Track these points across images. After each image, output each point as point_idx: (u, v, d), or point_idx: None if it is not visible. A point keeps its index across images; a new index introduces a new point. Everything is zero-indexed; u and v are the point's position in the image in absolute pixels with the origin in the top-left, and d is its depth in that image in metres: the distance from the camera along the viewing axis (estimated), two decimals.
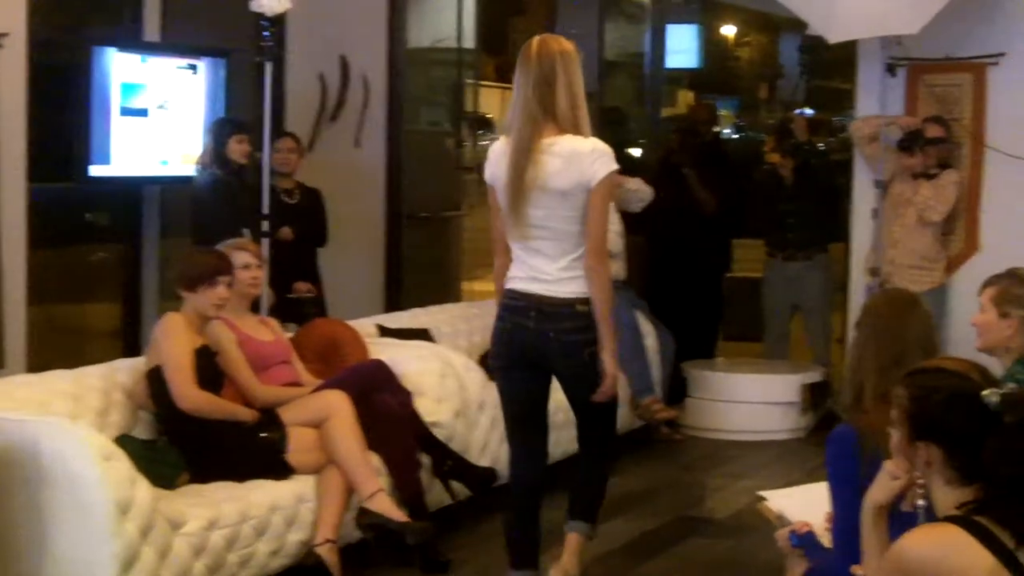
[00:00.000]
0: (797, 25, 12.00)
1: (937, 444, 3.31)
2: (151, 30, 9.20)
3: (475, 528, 7.27)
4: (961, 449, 3.28)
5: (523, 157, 5.43)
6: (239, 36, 9.44)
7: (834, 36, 9.06)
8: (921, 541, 3.19)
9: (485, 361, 8.35)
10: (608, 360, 5.53)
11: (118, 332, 9.37)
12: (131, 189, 9.12)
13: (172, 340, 6.29)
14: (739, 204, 10.88)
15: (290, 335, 7.43)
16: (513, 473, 5.97)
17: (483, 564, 6.81)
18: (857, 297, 9.69)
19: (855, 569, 3.80)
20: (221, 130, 8.64)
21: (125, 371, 6.53)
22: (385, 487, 6.51)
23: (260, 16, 8.31)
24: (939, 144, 9.16)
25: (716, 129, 13.76)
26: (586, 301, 5.50)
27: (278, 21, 8.55)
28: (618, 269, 8.78)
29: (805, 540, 4.45)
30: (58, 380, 6.29)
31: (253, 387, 6.64)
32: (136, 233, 9.26)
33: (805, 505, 4.84)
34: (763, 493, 5.14)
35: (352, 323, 7.83)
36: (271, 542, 6.06)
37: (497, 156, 5.60)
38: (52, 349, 8.67)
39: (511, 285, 5.64)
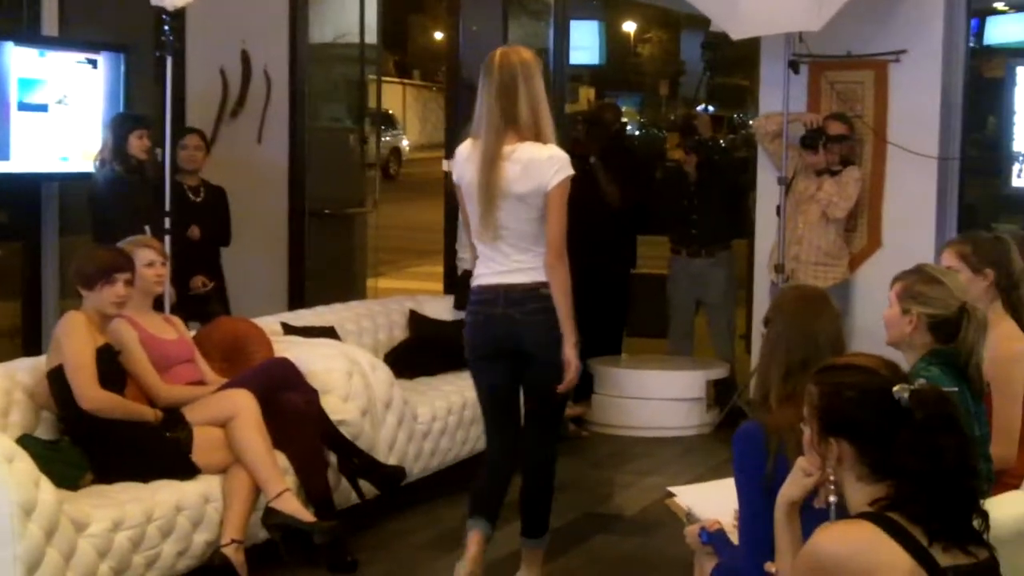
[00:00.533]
0: (698, 22, 12.08)
1: (848, 440, 3.32)
2: (49, 24, 9.10)
3: (383, 527, 7.25)
4: (872, 445, 3.28)
5: (488, 165, 5.79)
6: (139, 31, 9.34)
7: (737, 33, 9.10)
8: (835, 538, 3.19)
9: (390, 358, 8.37)
10: (570, 351, 5.89)
11: (18, 331, 9.25)
12: (30, 185, 9.00)
13: (73, 339, 6.20)
14: (644, 200, 10.89)
15: (193, 333, 7.35)
16: (488, 449, 6.34)
17: (391, 563, 6.78)
18: (761, 293, 9.76)
19: (768, 566, 3.80)
20: (121, 126, 8.54)
21: (26, 371, 6.43)
22: (292, 486, 6.47)
23: (161, 10, 8.23)
24: (841, 141, 9.23)
25: (624, 121, 13.79)
26: (548, 286, 5.87)
27: (178, 15, 8.46)
28: None
29: (715, 537, 4.45)
30: None
31: (157, 386, 6.56)
32: (35, 230, 9.15)
33: (713, 501, 4.85)
34: (672, 489, 5.14)
35: (256, 321, 7.77)
36: (177, 543, 6.00)
37: (464, 158, 5.96)
38: None
39: (478, 282, 6.02)
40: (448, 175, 10.47)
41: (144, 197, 8.44)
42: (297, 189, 10.74)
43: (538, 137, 5.83)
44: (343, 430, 7.02)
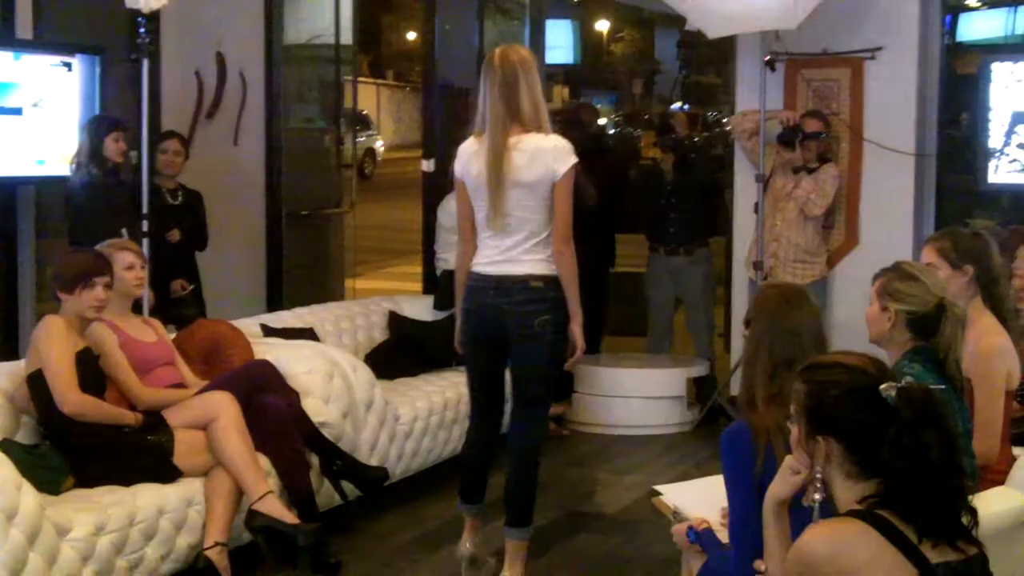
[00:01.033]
0: (673, 21, 12.07)
1: (836, 438, 3.33)
2: (23, 27, 9.04)
3: (366, 528, 7.24)
4: (860, 443, 3.29)
5: (495, 156, 6.04)
6: (114, 33, 9.31)
7: (714, 32, 9.13)
8: (825, 536, 3.20)
9: (371, 359, 8.36)
10: (576, 331, 6.23)
11: None
12: (6, 189, 8.96)
13: (52, 343, 6.18)
14: (621, 199, 10.89)
15: (173, 336, 7.33)
16: (469, 428, 6.60)
17: (374, 564, 6.78)
18: (739, 291, 9.79)
19: (758, 564, 3.80)
20: (97, 128, 8.51)
21: (4, 375, 6.40)
22: (274, 488, 6.45)
23: (135, 13, 8.21)
24: (818, 138, 9.27)
25: (602, 122, 13.79)
26: (539, 279, 6.12)
27: (153, 17, 8.44)
28: None
29: (703, 537, 4.46)
30: None
31: (137, 390, 6.54)
32: (11, 234, 9.09)
33: (700, 499, 4.86)
34: (658, 487, 5.15)
35: (235, 323, 7.75)
36: (160, 546, 5.98)
37: (468, 154, 6.21)
38: None
39: (474, 269, 6.26)
40: (427, 175, 10.51)
41: (121, 200, 8.42)
42: (274, 190, 10.73)
43: (540, 129, 6.09)
44: (325, 432, 7.01)
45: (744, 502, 4.06)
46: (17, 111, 8.64)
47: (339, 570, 6.58)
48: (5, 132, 8.53)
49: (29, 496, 5.40)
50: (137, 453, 6.22)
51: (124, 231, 8.04)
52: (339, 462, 6.97)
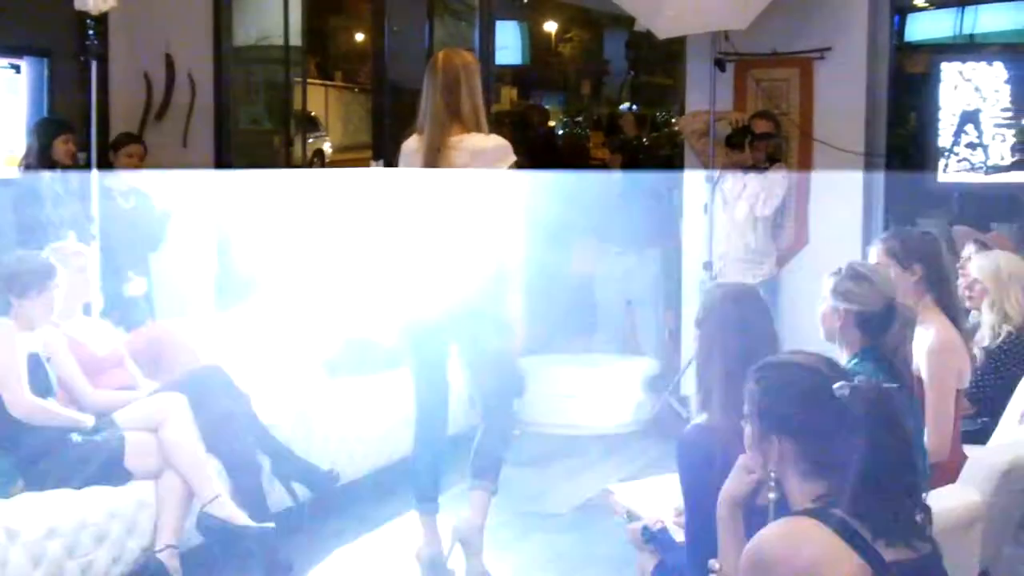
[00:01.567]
0: (622, 21, 12.09)
1: (789, 438, 3.34)
2: None
3: (317, 530, 7.22)
4: (813, 443, 3.30)
5: (433, 154, 6.21)
6: (62, 35, 9.25)
7: (663, 32, 9.14)
8: (779, 535, 3.21)
9: (322, 360, 8.34)
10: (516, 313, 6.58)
11: None
12: None
13: (1, 347, 6.13)
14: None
15: (123, 338, 7.29)
16: (418, 419, 6.64)
17: (326, 565, 6.76)
18: (689, 291, 9.81)
19: (712, 563, 3.81)
20: (45, 130, 8.48)
21: None
22: (225, 490, 6.42)
23: (84, 15, 8.15)
24: (768, 139, 9.30)
25: (551, 124, 13.81)
26: None
27: (102, 20, 8.39)
28: None
29: (658, 537, 4.46)
30: None
31: (86, 392, 6.50)
32: None
33: (652, 498, 4.87)
34: (611, 487, 5.16)
35: (186, 324, 7.71)
36: (111, 549, 5.93)
37: (410, 151, 6.36)
38: None
39: None
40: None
41: (70, 202, 8.37)
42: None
43: (479, 129, 6.27)
44: (275, 433, 6.98)
45: (703, 510, 4.04)
46: None
47: (290, 572, 6.55)
48: None
49: None
50: (87, 456, 6.17)
51: (73, 234, 7.99)
52: (290, 464, 6.94)
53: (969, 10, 13.81)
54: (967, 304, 6.48)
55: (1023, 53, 11.50)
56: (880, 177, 9.56)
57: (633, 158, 10.67)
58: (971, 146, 9.56)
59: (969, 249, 7.09)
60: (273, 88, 12.16)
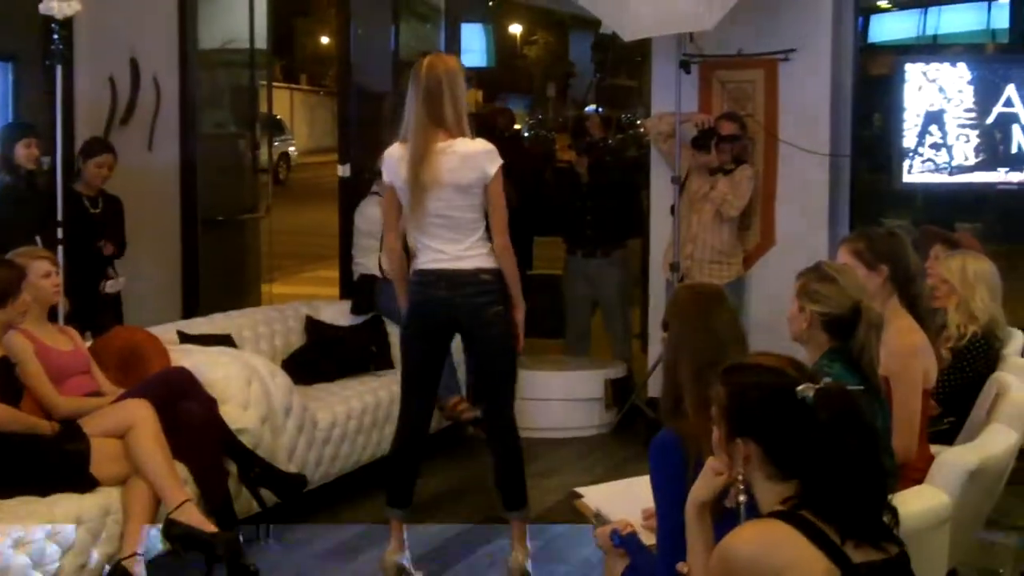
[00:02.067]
0: (587, 23, 12.12)
1: (756, 440, 3.33)
2: None
3: (285, 535, 7.19)
4: (779, 445, 3.29)
5: (418, 161, 6.24)
6: (26, 39, 9.21)
7: (629, 34, 9.13)
8: (747, 538, 3.20)
9: (288, 365, 8.32)
10: (519, 316, 6.50)
11: None
12: None
13: None
14: (538, 202, 10.91)
15: (89, 344, 7.25)
16: (400, 424, 6.70)
17: (293, 571, 6.74)
18: (656, 292, 9.82)
19: (680, 566, 3.80)
20: (8, 135, 8.44)
21: None
22: (192, 497, 6.39)
23: (49, 19, 8.12)
24: (733, 141, 9.32)
25: (517, 127, 13.80)
26: (487, 271, 6.37)
27: (67, 24, 8.35)
28: None
29: (627, 541, 4.44)
30: None
31: (53, 398, 6.46)
32: None
33: (621, 501, 4.86)
34: (579, 490, 5.14)
35: (152, 330, 7.68)
36: (77, 556, 5.89)
37: (395, 159, 6.37)
38: None
39: (420, 267, 6.46)
40: (343, 180, 10.45)
41: (34, 207, 8.33)
42: (189, 196, 10.64)
43: (462, 134, 6.30)
44: (242, 438, 6.96)
45: (674, 512, 4.02)
46: None
47: None
48: None
49: None
50: (54, 463, 6.13)
51: (38, 239, 7.95)
52: (257, 469, 6.91)
53: (932, 11, 13.88)
54: (934, 304, 6.49)
55: (985, 54, 11.54)
56: (846, 177, 9.59)
57: (600, 160, 10.64)
58: (935, 147, 9.59)
59: (936, 249, 7.11)
60: (239, 92, 12.11)
